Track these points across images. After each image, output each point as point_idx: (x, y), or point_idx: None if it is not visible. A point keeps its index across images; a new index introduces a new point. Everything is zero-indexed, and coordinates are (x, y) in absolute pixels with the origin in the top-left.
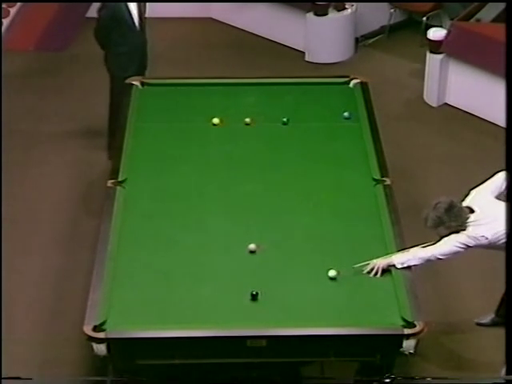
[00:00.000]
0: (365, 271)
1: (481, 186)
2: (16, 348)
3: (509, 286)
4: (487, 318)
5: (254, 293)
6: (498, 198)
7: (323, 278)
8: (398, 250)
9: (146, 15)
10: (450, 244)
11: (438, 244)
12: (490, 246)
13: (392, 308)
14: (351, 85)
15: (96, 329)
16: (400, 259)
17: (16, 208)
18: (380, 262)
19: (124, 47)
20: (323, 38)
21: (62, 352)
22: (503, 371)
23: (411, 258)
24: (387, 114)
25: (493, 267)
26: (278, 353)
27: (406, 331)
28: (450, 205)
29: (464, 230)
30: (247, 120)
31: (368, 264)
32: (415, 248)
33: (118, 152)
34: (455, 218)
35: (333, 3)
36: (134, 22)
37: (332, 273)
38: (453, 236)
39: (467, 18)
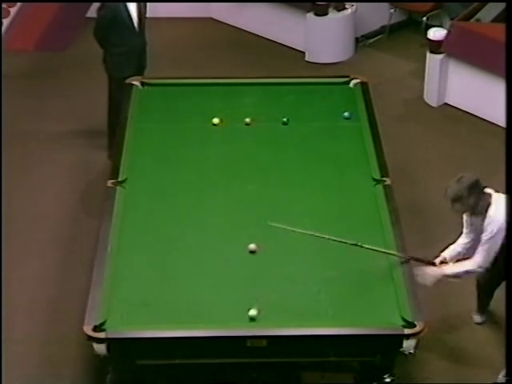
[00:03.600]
0: (416, 276)
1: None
2: (16, 348)
3: (509, 287)
4: (479, 317)
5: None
6: None
7: (323, 277)
8: (398, 251)
9: (147, 15)
10: (483, 249)
11: (476, 255)
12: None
13: (392, 308)
14: (351, 85)
15: (96, 329)
16: (451, 271)
17: (16, 208)
18: (431, 272)
19: (122, 48)
20: (323, 38)
21: (62, 352)
22: (503, 372)
23: (460, 270)
24: (387, 113)
25: None
26: (278, 353)
27: (406, 331)
28: (474, 182)
29: (476, 214)
30: (247, 120)
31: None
32: (462, 262)
33: (117, 152)
34: (474, 197)
35: (333, 3)
36: (132, 23)
37: (253, 312)
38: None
39: (467, 18)
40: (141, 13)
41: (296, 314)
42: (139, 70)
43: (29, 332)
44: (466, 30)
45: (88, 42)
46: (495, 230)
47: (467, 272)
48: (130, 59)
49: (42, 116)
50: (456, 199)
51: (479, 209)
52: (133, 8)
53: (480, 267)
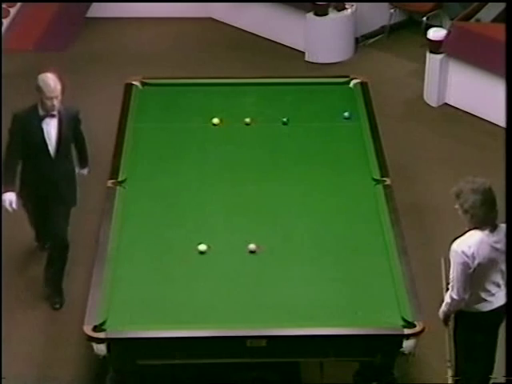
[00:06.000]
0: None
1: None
2: (16, 348)
3: (509, 288)
4: None
5: None
6: None
7: (323, 278)
8: (398, 251)
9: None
10: (454, 275)
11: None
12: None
13: (392, 308)
14: (351, 85)
15: (96, 329)
16: (441, 309)
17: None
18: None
19: (27, 169)
20: (323, 38)
21: (62, 352)
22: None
23: (445, 307)
24: (387, 113)
25: None
26: (278, 353)
27: (406, 331)
28: (481, 189)
29: (467, 222)
30: (247, 120)
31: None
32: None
33: (117, 152)
34: (470, 203)
35: (333, 3)
36: (46, 147)
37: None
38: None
39: (467, 18)
40: (62, 136)
41: (296, 314)
42: (48, 200)
43: (29, 332)
44: (466, 30)
45: (88, 42)
46: (456, 261)
47: (449, 305)
48: (34, 188)
49: None
50: (456, 195)
51: (469, 214)
52: (52, 129)
53: (454, 298)
